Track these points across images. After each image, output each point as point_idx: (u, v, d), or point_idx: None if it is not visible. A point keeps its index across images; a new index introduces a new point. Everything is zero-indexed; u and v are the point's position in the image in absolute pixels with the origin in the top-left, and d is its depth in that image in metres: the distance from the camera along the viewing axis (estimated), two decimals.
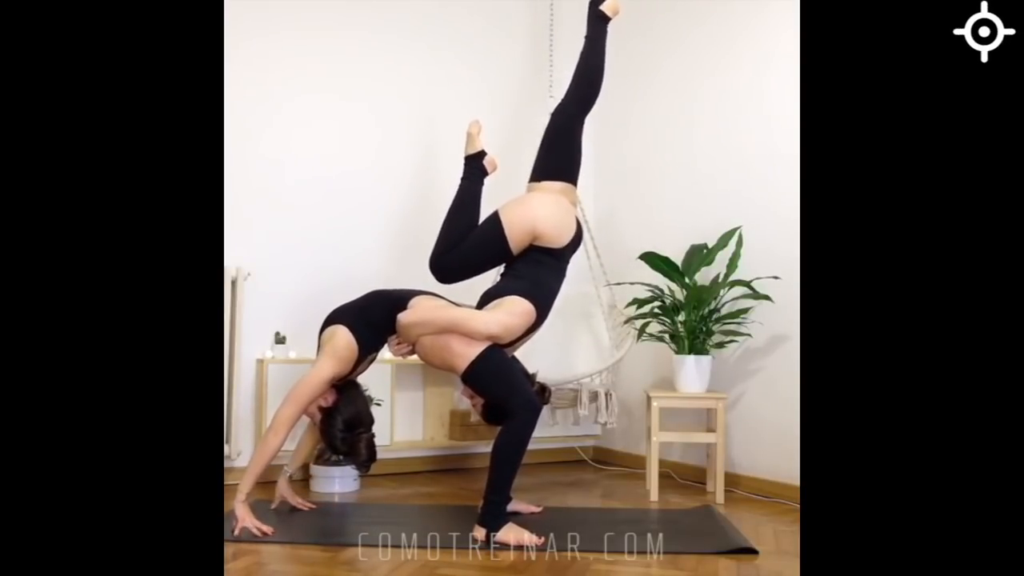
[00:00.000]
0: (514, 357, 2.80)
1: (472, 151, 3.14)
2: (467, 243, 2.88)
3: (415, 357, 3.19)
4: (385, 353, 2.96)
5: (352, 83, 3.70)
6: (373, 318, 2.76)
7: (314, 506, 2.89)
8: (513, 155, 3.99)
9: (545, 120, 3.73)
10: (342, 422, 2.69)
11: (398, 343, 2.75)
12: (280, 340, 3.42)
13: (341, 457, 3.21)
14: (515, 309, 2.66)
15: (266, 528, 2.47)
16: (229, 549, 2.29)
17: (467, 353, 2.58)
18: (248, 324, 3.35)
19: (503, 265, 2.93)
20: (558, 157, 2.94)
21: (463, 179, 3.09)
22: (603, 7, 3.01)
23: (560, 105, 3.00)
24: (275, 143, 3.51)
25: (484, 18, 4.06)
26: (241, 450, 3.30)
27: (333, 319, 2.79)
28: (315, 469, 3.27)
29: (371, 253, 3.67)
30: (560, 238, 2.80)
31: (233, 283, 3.31)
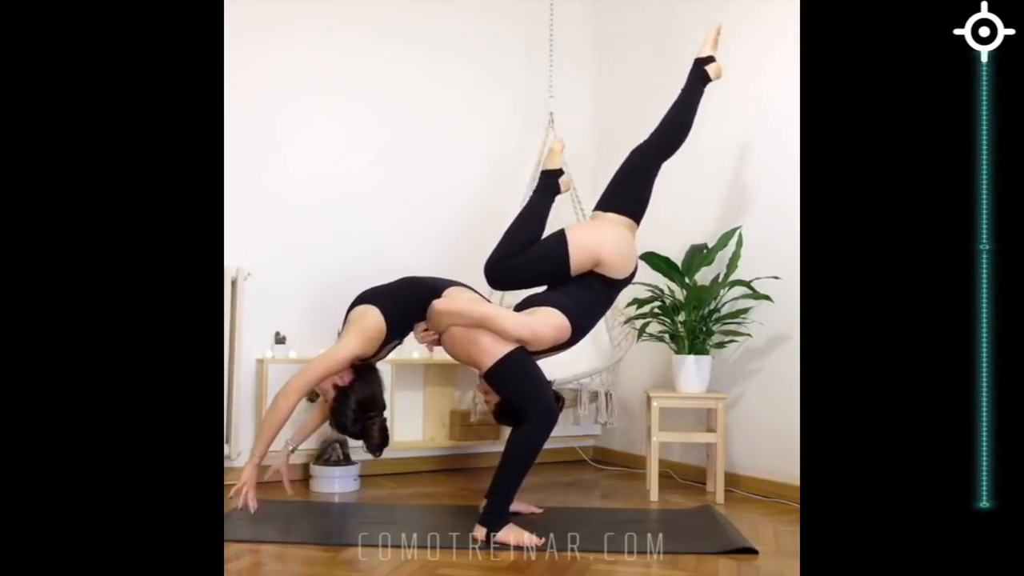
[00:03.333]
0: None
1: (551, 167, 3.15)
2: (527, 255, 2.87)
3: (415, 355, 3.19)
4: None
5: (353, 84, 3.70)
6: (405, 304, 2.73)
7: (293, 493, 2.84)
8: (514, 154, 4.01)
9: (545, 119, 3.76)
10: (356, 403, 2.63)
11: (424, 330, 2.73)
12: (280, 340, 3.42)
13: (342, 450, 3.20)
14: (551, 321, 2.66)
15: (253, 503, 2.52)
16: (229, 549, 2.29)
17: (495, 351, 2.58)
18: (248, 324, 3.34)
19: None
20: (628, 194, 2.94)
21: (535, 192, 3.11)
22: (708, 68, 3.03)
23: (642, 144, 3.00)
24: (276, 143, 3.51)
25: (484, 19, 4.06)
26: (241, 450, 3.30)
27: (364, 299, 2.75)
28: (315, 469, 3.27)
29: (371, 253, 3.67)
30: (622, 269, 2.82)
31: (233, 283, 3.31)
